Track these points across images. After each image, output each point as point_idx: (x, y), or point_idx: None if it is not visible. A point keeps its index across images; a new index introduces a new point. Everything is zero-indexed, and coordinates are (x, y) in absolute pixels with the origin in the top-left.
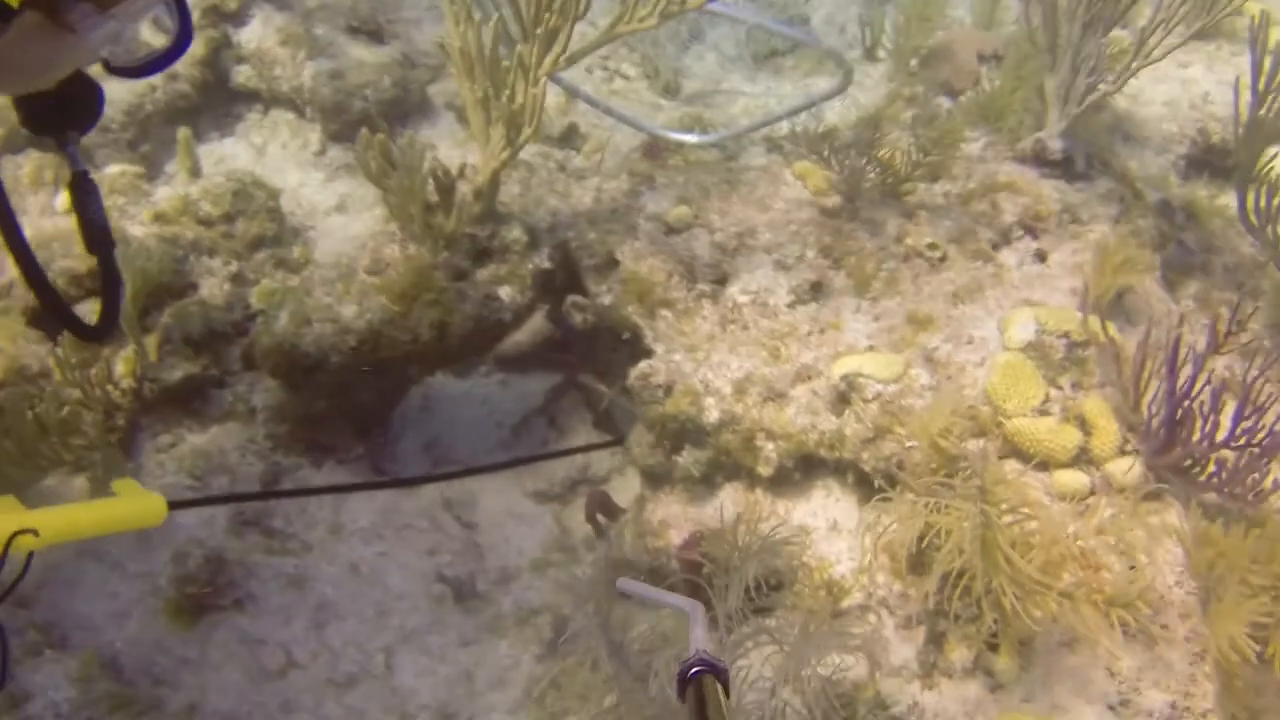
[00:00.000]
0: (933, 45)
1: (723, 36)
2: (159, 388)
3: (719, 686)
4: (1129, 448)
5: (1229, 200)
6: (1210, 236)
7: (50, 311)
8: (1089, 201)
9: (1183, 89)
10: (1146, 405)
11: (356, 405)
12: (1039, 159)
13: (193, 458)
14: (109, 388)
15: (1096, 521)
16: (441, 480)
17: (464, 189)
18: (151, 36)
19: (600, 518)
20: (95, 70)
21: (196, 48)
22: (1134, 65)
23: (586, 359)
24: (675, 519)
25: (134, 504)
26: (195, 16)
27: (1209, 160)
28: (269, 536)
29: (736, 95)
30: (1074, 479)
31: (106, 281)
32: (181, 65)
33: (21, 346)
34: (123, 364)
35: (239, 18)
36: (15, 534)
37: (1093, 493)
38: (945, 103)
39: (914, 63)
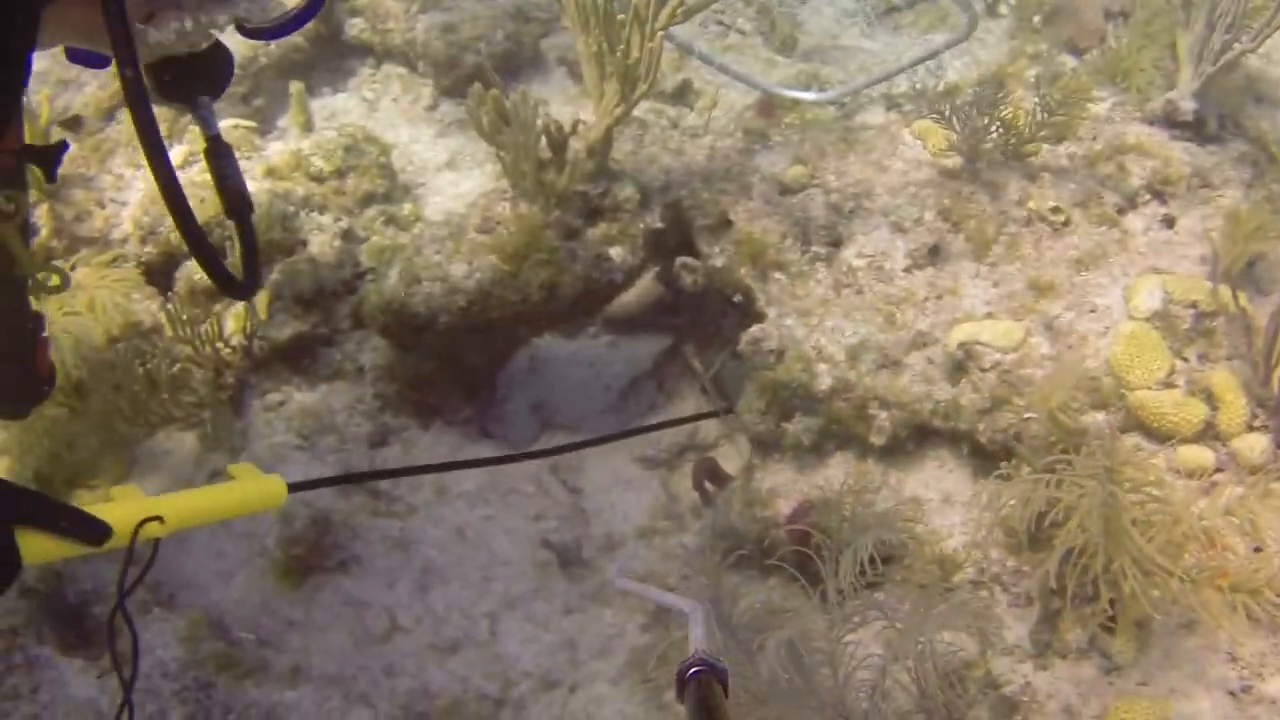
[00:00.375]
0: (1057, 0)
1: None
2: (269, 346)
3: (719, 687)
4: (1258, 424)
5: None
6: None
7: (202, 264)
8: (1221, 165)
9: None
10: (1278, 379)
11: (464, 366)
12: (1170, 120)
13: (301, 417)
14: (219, 345)
15: (1222, 501)
16: (553, 454)
17: (576, 146)
18: None
19: (708, 485)
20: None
21: None
22: (1275, 21)
23: (695, 322)
24: (784, 488)
25: (255, 487)
26: None
27: None
28: (375, 498)
29: (854, 52)
30: (1199, 455)
31: (246, 242)
32: None
33: (136, 302)
34: (233, 321)
35: None
36: (143, 522)
37: (1218, 470)
38: (1070, 61)
39: (1037, 19)
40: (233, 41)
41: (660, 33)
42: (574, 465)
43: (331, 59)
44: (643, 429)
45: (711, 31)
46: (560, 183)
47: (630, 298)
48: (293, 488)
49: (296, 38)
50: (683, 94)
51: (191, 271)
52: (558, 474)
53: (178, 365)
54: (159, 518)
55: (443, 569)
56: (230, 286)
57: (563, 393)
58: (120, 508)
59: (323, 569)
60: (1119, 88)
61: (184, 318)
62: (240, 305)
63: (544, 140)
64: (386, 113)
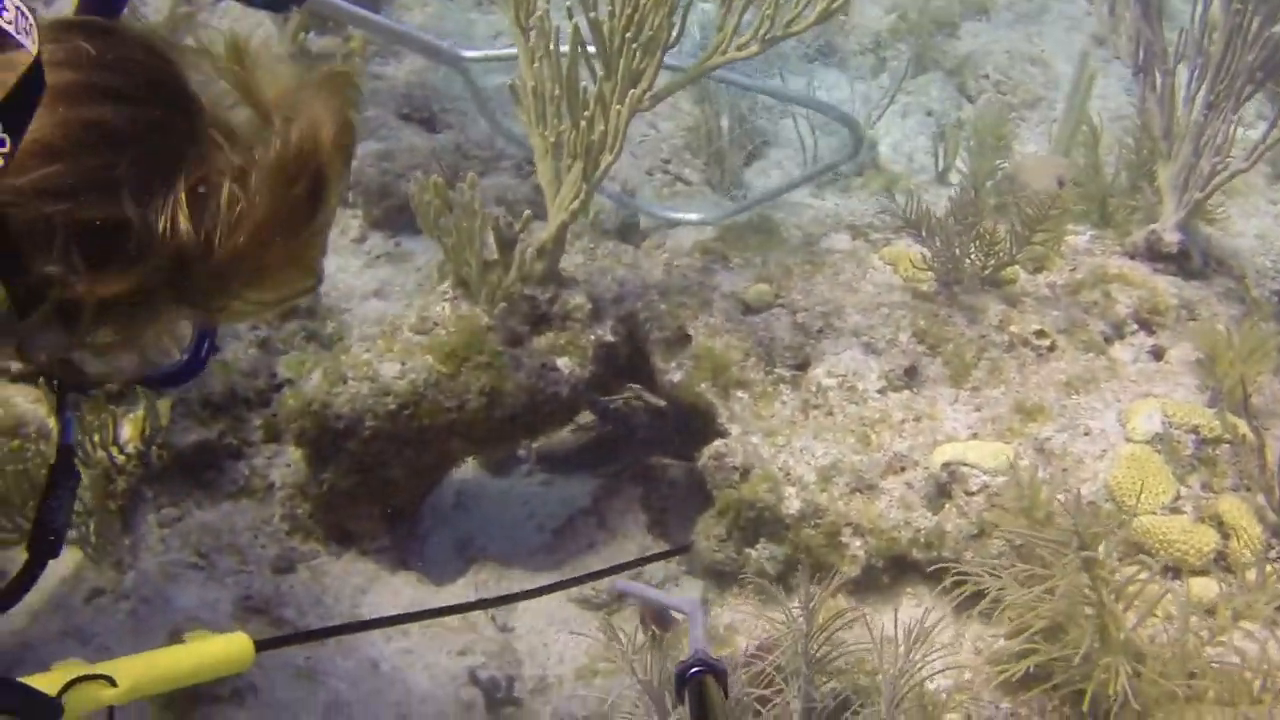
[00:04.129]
0: (1008, 170)
1: (787, 156)
2: (169, 454)
3: (718, 687)
4: (1274, 554)
5: None
6: None
7: None
8: (1208, 300)
9: (1275, 223)
10: None
11: (387, 484)
12: (1153, 252)
13: (199, 533)
14: (113, 449)
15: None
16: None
17: (525, 245)
18: None
19: (654, 628)
20: None
21: None
22: (1272, 137)
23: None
24: (745, 624)
25: (217, 646)
26: None
27: None
28: (278, 627)
29: (804, 208)
30: (1210, 588)
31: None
32: None
33: (21, 406)
34: (130, 426)
35: None
36: (76, 680)
37: (1231, 606)
38: None
39: (989, 185)
40: None
41: (629, 100)
42: None
43: None
44: (602, 572)
45: (659, 180)
46: (507, 281)
47: (569, 434)
48: (260, 645)
49: None
50: (627, 233)
51: None
52: (486, 609)
53: None
54: (107, 677)
55: (351, 705)
56: None
57: (491, 531)
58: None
59: (214, 698)
60: (1094, 224)
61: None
62: (140, 409)
63: (492, 237)
64: None
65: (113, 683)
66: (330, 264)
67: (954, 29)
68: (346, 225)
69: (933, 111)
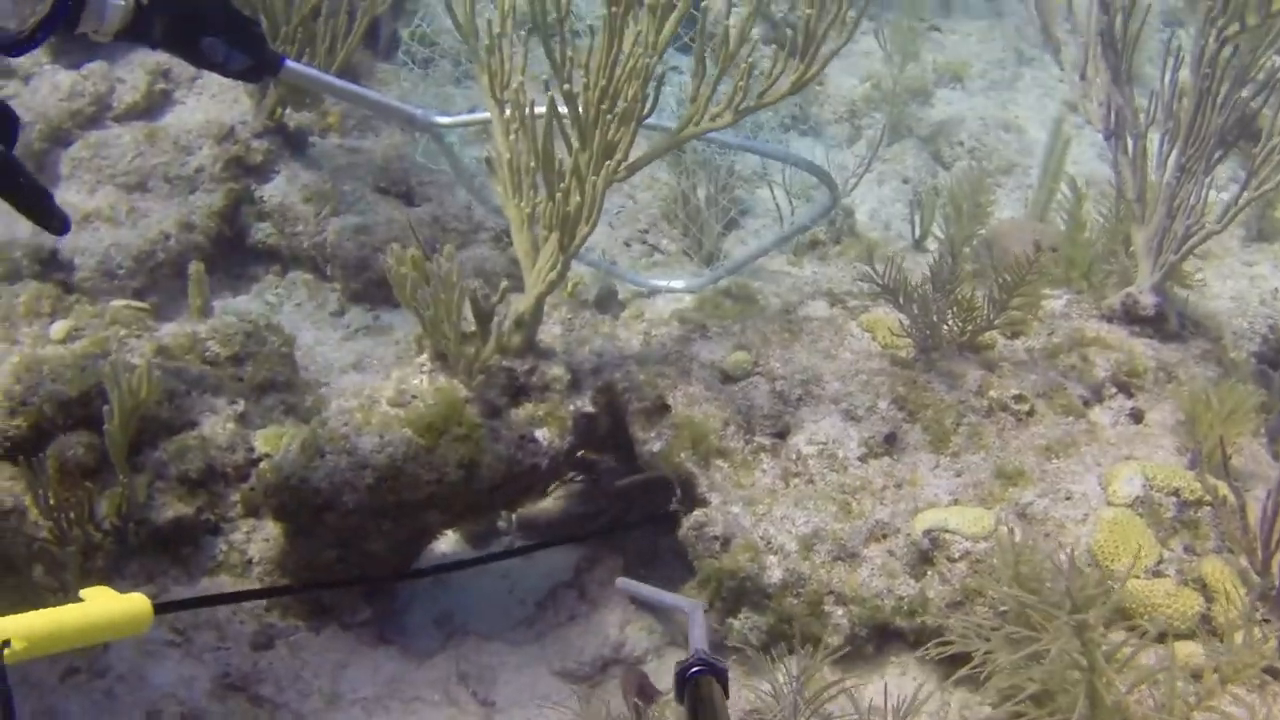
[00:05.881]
0: (986, 235)
1: (764, 225)
2: (146, 531)
3: (718, 687)
4: (1259, 616)
5: None
6: None
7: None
8: (1185, 362)
9: (1250, 285)
10: (1278, 566)
11: (366, 557)
12: (1129, 315)
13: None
14: (89, 527)
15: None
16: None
17: (503, 315)
18: None
19: (638, 700)
20: None
21: (215, 199)
22: (1243, 198)
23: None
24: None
25: (114, 606)
26: (217, 168)
27: None
28: (256, 705)
29: (782, 276)
30: (1195, 652)
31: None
32: (198, 215)
33: None
34: (106, 503)
35: (263, 172)
36: None
37: (1217, 670)
38: None
39: (967, 251)
40: (131, 234)
41: (604, 172)
42: (484, 676)
43: (234, 264)
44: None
45: (636, 250)
46: (484, 353)
47: (550, 503)
48: (160, 608)
49: (199, 235)
50: (605, 303)
51: (62, 447)
52: (467, 683)
53: (37, 544)
54: (7, 641)
55: None
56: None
57: (471, 605)
58: None
59: None
60: (1072, 287)
61: (51, 501)
62: (118, 486)
63: (469, 309)
64: (290, 316)
65: (7, 643)
66: (308, 337)
67: (928, 97)
68: (325, 299)
69: (909, 179)
